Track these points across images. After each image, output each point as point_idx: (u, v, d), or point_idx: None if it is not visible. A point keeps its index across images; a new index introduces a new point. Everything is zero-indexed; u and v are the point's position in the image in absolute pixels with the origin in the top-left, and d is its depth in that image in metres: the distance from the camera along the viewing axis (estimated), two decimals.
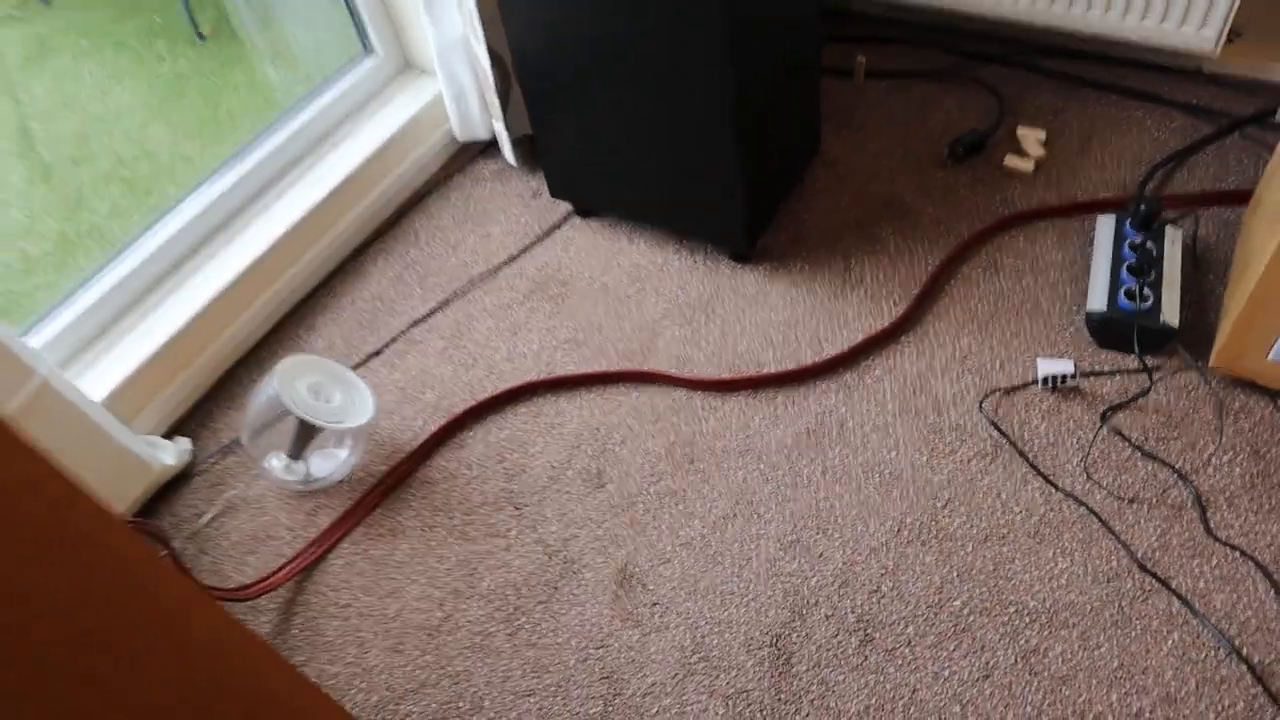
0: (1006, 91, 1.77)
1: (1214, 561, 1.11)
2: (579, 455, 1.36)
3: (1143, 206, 1.37)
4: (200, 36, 2.32)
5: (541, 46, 1.44)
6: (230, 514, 1.39)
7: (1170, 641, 1.05)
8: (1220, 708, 1.00)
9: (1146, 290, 1.30)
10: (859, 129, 1.76)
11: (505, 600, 1.23)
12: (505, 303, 1.60)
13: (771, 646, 1.12)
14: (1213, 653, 1.04)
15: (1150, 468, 1.20)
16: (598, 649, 1.16)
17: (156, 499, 1.42)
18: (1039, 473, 1.22)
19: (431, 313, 1.61)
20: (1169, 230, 1.38)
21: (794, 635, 1.13)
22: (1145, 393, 1.27)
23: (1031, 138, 1.64)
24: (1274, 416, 1.22)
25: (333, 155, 1.75)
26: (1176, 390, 1.27)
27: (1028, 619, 1.10)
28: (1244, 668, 1.02)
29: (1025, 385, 1.31)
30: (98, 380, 1.45)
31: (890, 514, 1.22)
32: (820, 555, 1.19)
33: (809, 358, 1.41)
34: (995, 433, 1.27)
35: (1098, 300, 1.32)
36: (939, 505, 1.21)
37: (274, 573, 1.30)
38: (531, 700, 1.13)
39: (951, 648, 1.09)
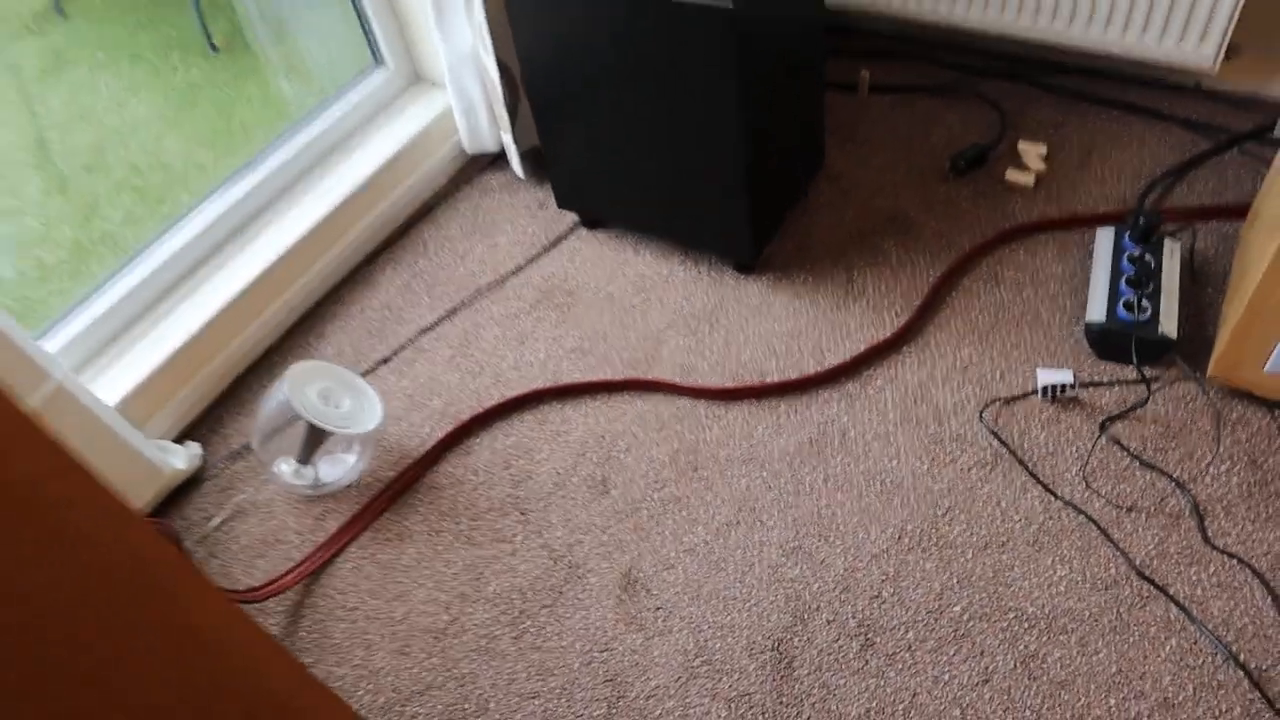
0: (1008, 106, 1.79)
1: (1211, 569, 1.12)
2: (584, 462, 1.38)
3: (1141, 220, 1.39)
4: (214, 49, 2.36)
5: (550, 60, 1.47)
6: (239, 518, 1.41)
7: (1168, 647, 1.06)
8: (1218, 713, 1.01)
9: (1145, 302, 1.32)
10: (863, 143, 1.78)
11: (511, 604, 1.24)
12: (512, 312, 1.62)
13: (773, 651, 1.14)
14: (1210, 659, 1.05)
15: (1148, 477, 1.21)
16: (602, 652, 1.17)
17: (167, 503, 1.44)
18: (1038, 481, 1.24)
19: (439, 321, 1.63)
20: (1167, 243, 1.40)
21: (796, 640, 1.14)
22: (1143, 403, 1.29)
23: (1032, 152, 1.66)
24: (1271, 427, 1.23)
25: (343, 166, 1.78)
26: (1174, 400, 1.28)
27: (1027, 625, 1.11)
28: (1241, 673, 1.03)
29: (1025, 395, 1.33)
30: (111, 385, 1.47)
31: (891, 521, 1.23)
32: (822, 561, 1.21)
33: (811, 367, 1.43)
34: (995, 442, 1.29)
35: (1097, 311, 1.34)
36: (939, 513, 1.23)
37: (282, 576, 1.32)
38: (536, 702, 1.14)
39: (951, 653, 1.10)
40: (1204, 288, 1.41)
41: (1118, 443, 1.25)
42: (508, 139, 1.79)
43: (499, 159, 1.93)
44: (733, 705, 1.10)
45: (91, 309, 1.52)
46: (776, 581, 1.20)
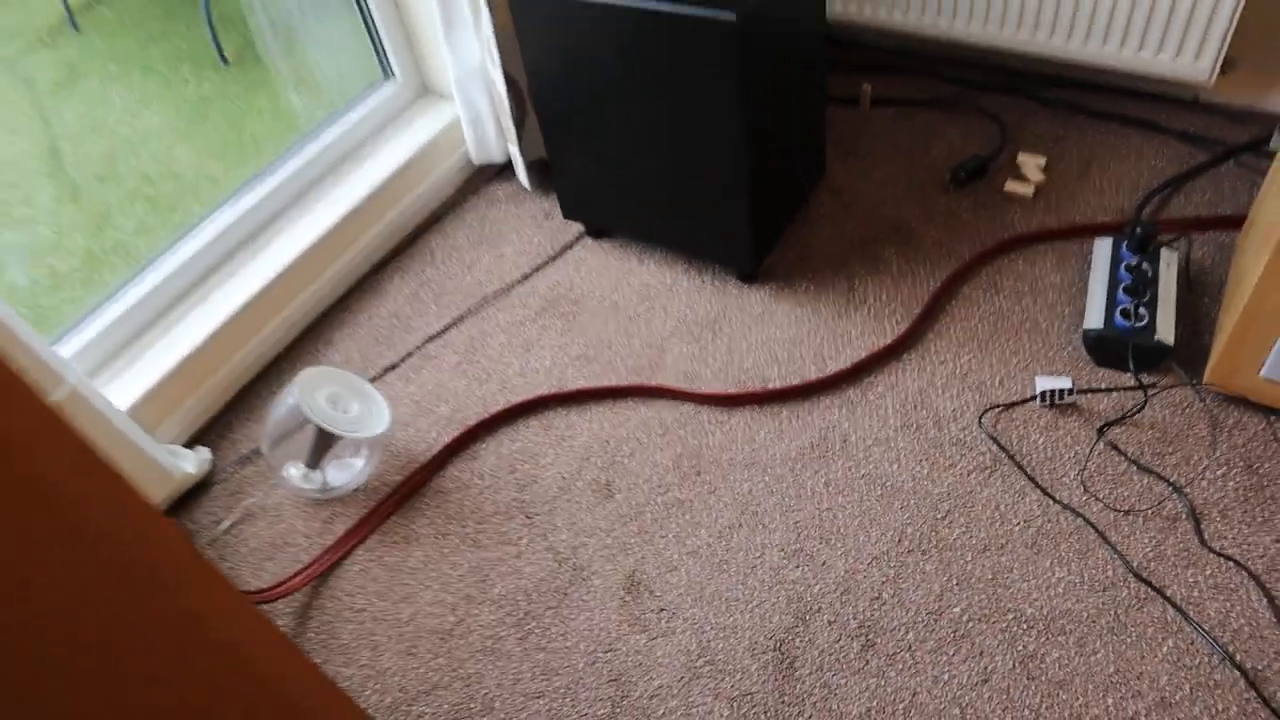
0: (1008, 120, 1.82)
1: (1208, 571, 1.13)
2: (589, 467, 1.40)
3: (1139, 230, 1.41)
4: (225, 62, 2.39)
5: (556, 73, 1.50)
6: (248, 521, 1.43)
7: (1165, 648, 1.08)
8: (1214, 712, 1.02)
9: (1142, 310, 1.34)
10: (864, 156, 1.81)
11: (516, 605, 1.26)
12: (518, 320, 1.64)
13: (775, 651, 1.15)
14: (1206, 659, 1.06)
15: (1146, 481, 1.23)
16: (606, 653, 1.19)
17: (177, 506, 1.46)
18: (1037, 485, 1.25)
19: (446, 329, 1.66)
20: (1164, 253, 1.42)
21: (797, 640, 1.16)
22: (1141, 409, 1.30)
23: (1032, 164, 1.68)
24: (1266, 432, 1.25)
25: (352, 176, 1.81)
26: (1171, 406, 1.30)
27: (1025, 626, 1.12)
28: (1237, 673, 1.04)
29: (1024, 401, 1.35)
30: (123, 390, 1.49)
31: (891, 524, 1.25)
32: (823, 563, 1.22)
33: (813, 374, 1.45)
34: (994, 447, 1.31)
35: (1094, 319, 1.36)
36: (939, 516, 1.24)
37: (290, 578, 1.34)
38: (541, 702, 1.16)
39: (951, 653, 1.11)
40: (1200, 296, 1.43)
41: (1115, 447, 1.27)
42: (514, 150, 1.82)
43: (505, 170, 1.96)
44: (735, 704, 1.11)
45: (104, 316, 1.54)
46: (778, 583, 1.21)
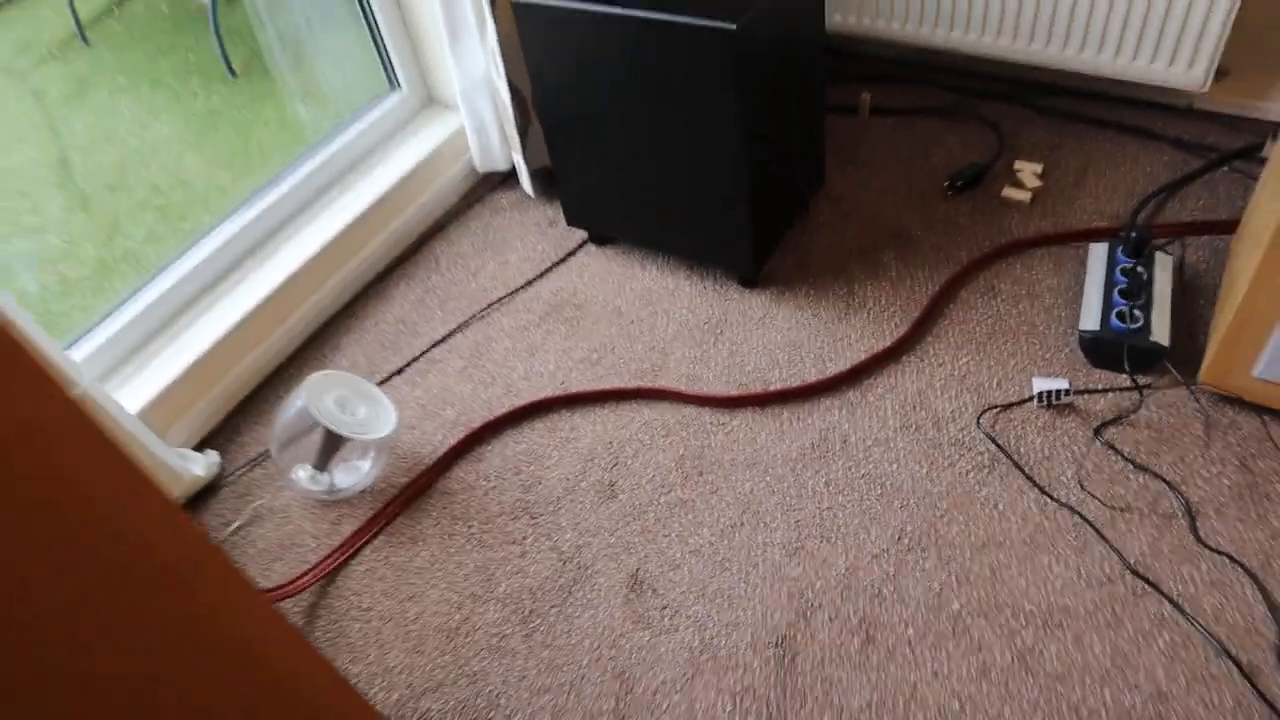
0: (1006, 128, 1.84)
1: (1203, 567, 1.15)
2: (593, 468, 1.42)
3: (1134, 234, 1.44)
4: (233, 74, 2.43)
5: (560, 82, 1.53)
6: (256, 523, 1.45)
7: (1161, 642, 1.09)
8: (1209, 704, 1.04)
9: (1137, 312, 1.36)
10: (864, 164, 1.83)
11: (521, 604, 1.27)
12: (522, 325, 1.67)
13: (777, 646, 1.17)
14: (1202, 652, 1.08)
15: (1142, 479, 1.25)
16: (610, 649, 1.21)
17: (186, 508, 1.48)
18: (1034, 484, 1.27)
19: (451, 334, 1.68)
20: (1159, 256, 1.45)
21: (799, 636, 1.17)
22: (1137, 409, 1.32)
23: (1029, 171, 1.71)
24: (1260, 431, 1.27)
25: (359, 185, 1.84)
26: (1167, 406, 1.32)
27: (1023, 621, 1.14)
28: (1232, 666, 1.06)
29: (1021, 402, 1.37)
30: (133, 394, 1.51)
31: (891, 522, 1.27)
32: (824, 561, 1.24)
33: (813, 376, 1.47)
34: (992, 447, 1.32)
35: (1090, 321, 1.38)
36: (938, 514, 1.26)
37: (298, 578, 1.35)
38: (546, 697, 1.17)
39: (950, 647, 1.13)
40: (1195, 299, 1.45)
41: (1111, 447, 1.29)
42: (519, 159, 1.85)
43: (509, 178, 1.99)
44: (738, 699, 1.13)
45: (115, 321, 1.57)
46: (780, 580, 1.23)
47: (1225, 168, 1.65)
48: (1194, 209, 1.59)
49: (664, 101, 1.44)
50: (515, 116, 1.76)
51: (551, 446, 1.46)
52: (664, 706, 1.14)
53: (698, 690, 1.15)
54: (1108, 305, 1.39)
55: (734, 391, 1.47)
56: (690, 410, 1.47)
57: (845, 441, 1.38)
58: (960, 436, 1.35)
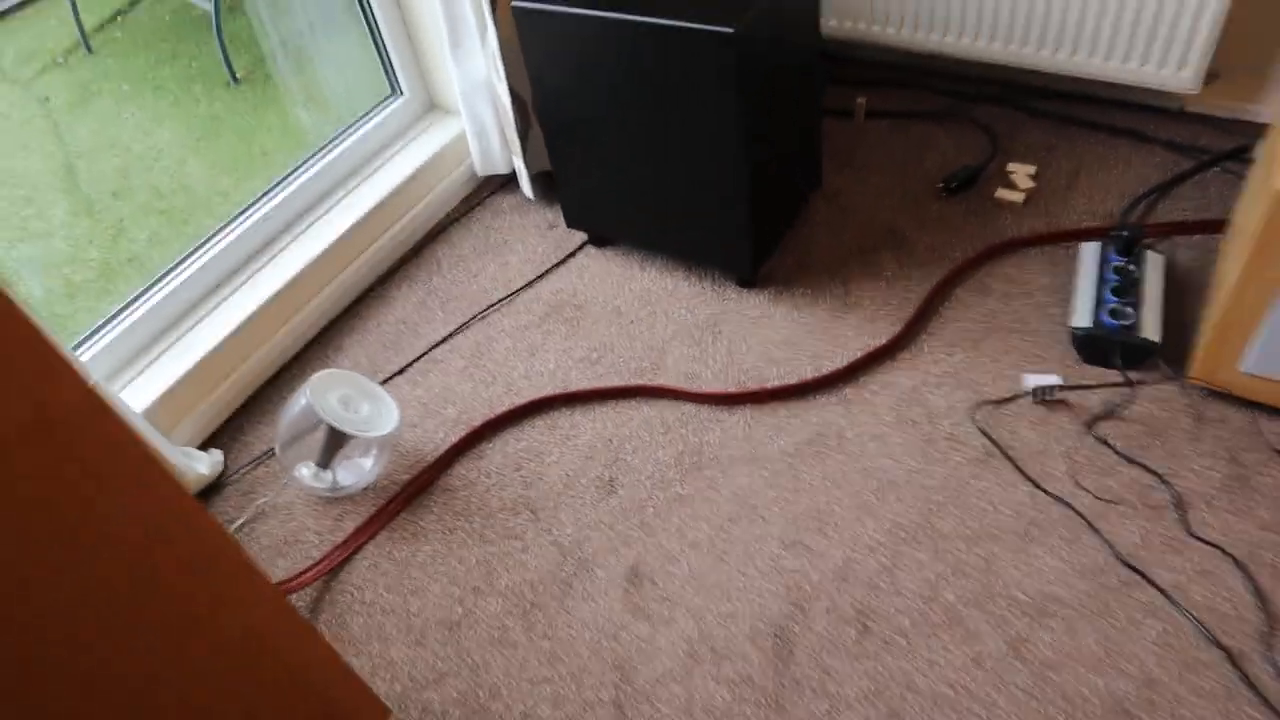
0: (1000, 130, 1.87)
1: (1193, 558, 1.17)
2: (592, 464, 1.44)
3: (1126, 233, 1.46)
4: (236, 80, 2.45)
5: (560, 86, 1.55)
6: (260, 520, 1.47)
7: (1151, 631, 1.11)
8: (1199, 691, 1.05)
9: (1128, 309, 1.38)
10: (860, 166, 1.86)
11: (522, 597, 1.29)
12: (523, 325, 1.69)
13: (774, 637, 1.18)
14: (1191, 640, 1.10)
15: (1133, 472, 1.27)
16: (609, 641, 1.22)
17: None
18: (1027, 477, 1.29)
19: (453, 334, 1.70)
20: (1150, 255, 1.47)
21: (795, 627, 1.19)
22: (1128, 404, 1.34)
23: (1022, 173, 1.73)
24: (1249, 424, 1.29)
25: (361, 189, 1.86)
26: (1157, 401, 1.34)
27: (1016, 611, 1.16)
28: (1221, 654, 1.08)
29: (1014, 398, 1.39)
30: (138, 394, 1.53)
31: (886, 516, 1.29)
32: (820, 554, 1.26)
33: (810, 374, 1.49)
34: (986, 441, 1.34)
35: (1082, 318, 1.40)
36: (933, 508, 1.28)
37: (302, 573, 1.37)
38: (547, 688, 1.19)
39: (945, 637, 1.15)
40: (1186, 297, 1.47)
41: (1103, 441, 1.31)
42: (519, 162, 1.87)
43: (510, 182, 2.01)
44: (735, 688, 1.15)
45: (121, 323, 1.59)
46: (777, 573, 1.25)
47: (1216, 169, 1.68)
48: (1185, 209, 1.62)
49: (663, 104, 1.46)
50: (515, 120, 1.78)
51: (552, 444, 1.48)
52: (663, 696, 1.16)
53: (696, 680, 1.16)
54: (1099, 302, 1.41)
55: (732, 389, 1.49)
56: (689, 408, 1.49)
57: (841, 437, 1.40)
58: (954, 431, 1.37)
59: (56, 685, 0.75)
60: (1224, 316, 1.23)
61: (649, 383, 1.53)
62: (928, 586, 1.20)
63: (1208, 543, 1.18)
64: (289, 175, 1.82)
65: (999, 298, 1.54)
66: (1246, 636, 1.09)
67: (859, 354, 1.50)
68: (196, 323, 1.65)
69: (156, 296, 1.63)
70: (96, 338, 1.56)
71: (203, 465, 1.52)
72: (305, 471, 1.47)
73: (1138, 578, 1.16)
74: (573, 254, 1.81)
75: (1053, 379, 1.36)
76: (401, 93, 1.98)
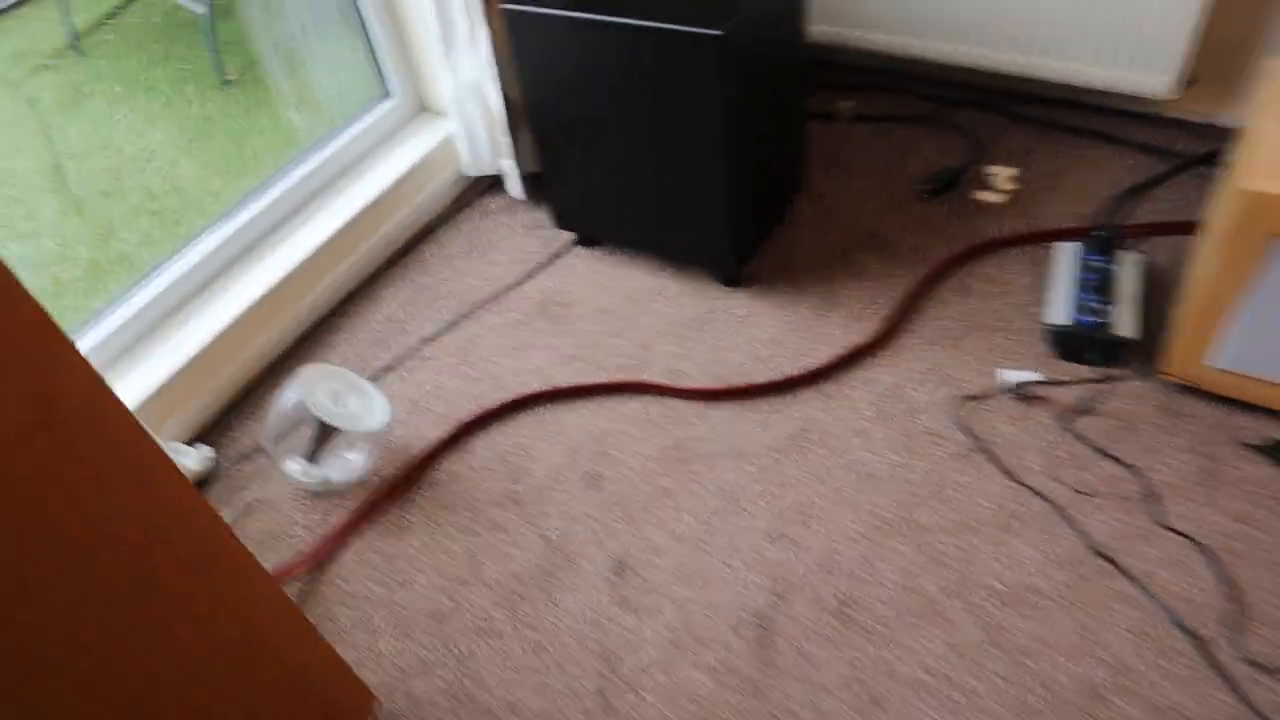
0: (982, 134, 1.90)
1: (1165, 548, 1.19)
2: (578, 458, 1.45)
3: (1102, 233, 1.49)
4: (227, 82, 2.47)
5: (551, 88, 1.58)
6: (249, 514, 1.48)
7: (1124, 619, 1.14)
8: (1170, 676, 1.08)
9: (1104, 307, 1.41)
10: (844, 169, 1.89)
11: (508, 588, 1.31)
12: (510, 323, 1.71)
13: (757, 626, 1.20)
14: (1163, 628, 1.12)
15: (1108, 466, 1.29)
16: (595, 631, 1.24)
17: None
18: (1005, 471, 1.32)
19: (441, 332, 1.72)
20: (1126, 254, 1.50)
21: (778, 616, 1.21)
22: (1103, 399, 1.37)
23: (1004, 175, 1.76)
24: (1219, 418, 1.32)
25: (351, 189, 1.88)
26: (1131, 396, 1.37)
27: (995, 600, 1.18)
28: (1191, 640, 1.10)
29: (993, 394, 1.42)
30: (128, 390, 1.55)
31: (867, 509, 1.31)
32: (803, 545, 1.28)
33: (794, 370, 1.51)
34: (965, 436, 1.37)
35: (1059, 315, 1.43)
36: (913, 500, 1.30)
37: (289, 566, 1.38)
38: (532, 677, 1.21)
39: (925, 626, 1.17)
40: (1160, 295, 1.50)
41: (1079, 435, 1.34)
42: (508, 164, 1.89)
43: (498, 183, 2.03)
44: (718, 676, 1.17)
45: (110, 320, 1.60)
46: (760, 563, 1.27)
47: (1191, 172, 1.71)
48: (1161, 211, 1.65)
49: (651, 106, 1.48)
50: (505, 122, 1.81)
51: (538, 439, 1.50)
52: (647, 685, 1.17)
53: (679, 668, 1.18)
54: (1075, 300, 1.44)
55: (717, 385, 1.52)
56: (674, 403, 1.51)
57: (824, 432, 1.42)
58: (934, 427, 1.39)
59: (56, 685, 0.76)
60: (1195, 314, 1.26)
61: (635, 379, 1.55)
62: (908, 577, 1.22)
63: (1180, 534, 1.20)
64: (280, 175, 1.84)
65: (979, 296, 1.57)
66: (1215, 623, 1.11)
67: (842, 351, 1.52)
68: (187, 320, 1.66)
69: (147, 294, 1.64)
70: (85, 335, 1.58)
71: (192, 461, 1.53)
72: (294, 466, 1.48)
73: (1112, 568, 1.18)
74: (560, 254, 1.83)
75: (1030, 375, 1.39)
76: (392, 95, 2.00)
